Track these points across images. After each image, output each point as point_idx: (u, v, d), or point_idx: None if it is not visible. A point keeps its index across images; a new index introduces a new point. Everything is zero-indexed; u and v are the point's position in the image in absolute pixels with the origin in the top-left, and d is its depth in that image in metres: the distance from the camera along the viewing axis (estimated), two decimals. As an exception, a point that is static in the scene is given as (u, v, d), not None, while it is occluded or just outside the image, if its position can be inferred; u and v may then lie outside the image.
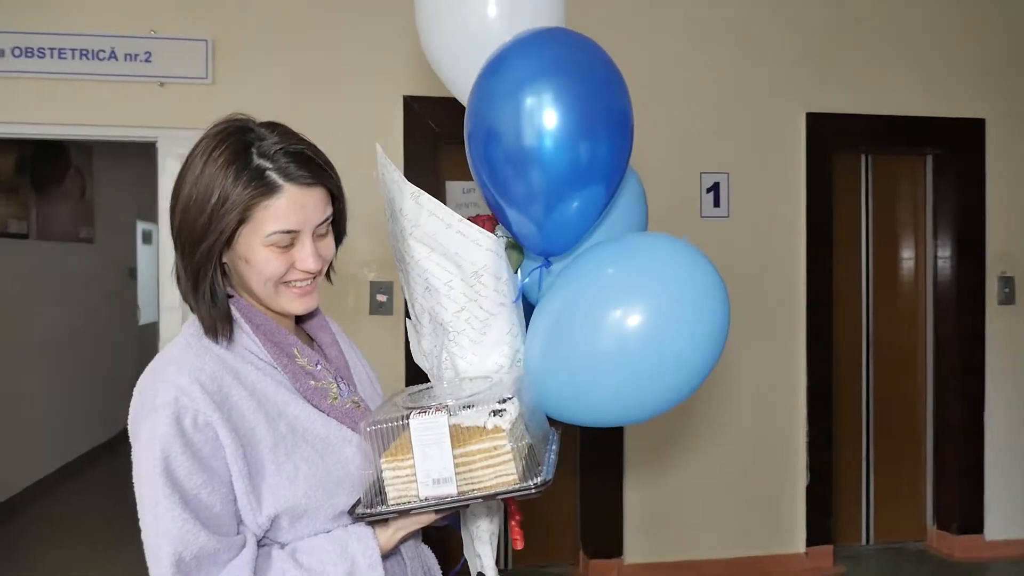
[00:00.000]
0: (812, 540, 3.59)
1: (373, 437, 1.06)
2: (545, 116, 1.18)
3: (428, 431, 1.02)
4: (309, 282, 1.14)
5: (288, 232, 1.08)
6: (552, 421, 1.31)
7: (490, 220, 1.32)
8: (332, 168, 1.15)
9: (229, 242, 1.07)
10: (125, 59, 3.06)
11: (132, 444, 1.03)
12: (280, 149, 1.08)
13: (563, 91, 1.18)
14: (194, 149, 1.09)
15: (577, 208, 1.23)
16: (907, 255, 3.94)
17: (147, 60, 3.07)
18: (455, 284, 1.22)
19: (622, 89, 1.25)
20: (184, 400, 1.01)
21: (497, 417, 1.04)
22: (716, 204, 3.50)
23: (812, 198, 3.58)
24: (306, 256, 1.10)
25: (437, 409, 1.04)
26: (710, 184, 3.49)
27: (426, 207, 1.21)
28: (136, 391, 1.06)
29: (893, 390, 3.90)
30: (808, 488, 3.58)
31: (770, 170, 3.55)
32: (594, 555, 3.44)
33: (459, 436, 1.03)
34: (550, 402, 1.26)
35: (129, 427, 1.05)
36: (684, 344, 1.17)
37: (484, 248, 1.20)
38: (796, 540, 3.60)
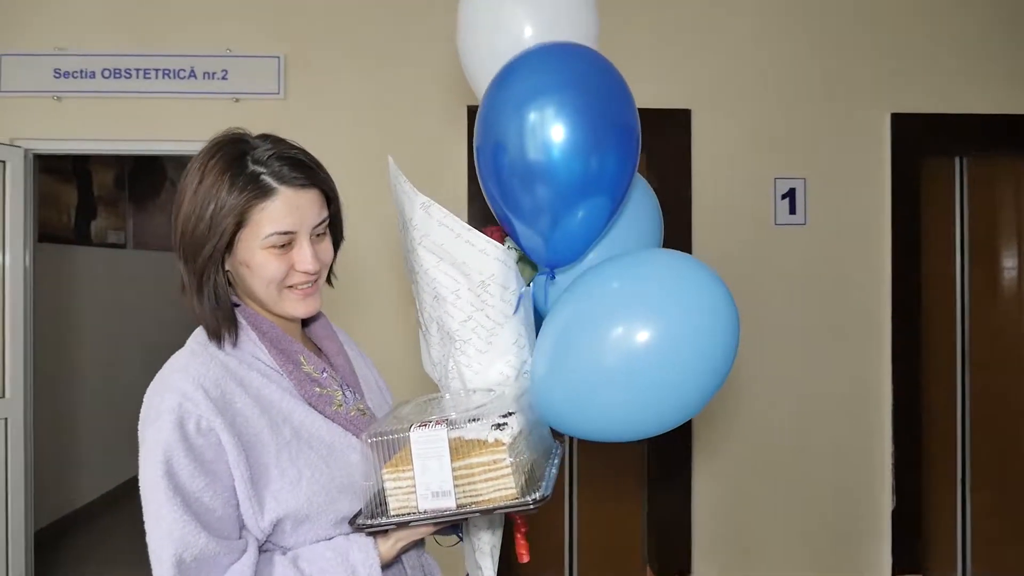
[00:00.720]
0: (899, 568, 3.39)
1: (375, 448, 1.08)
2: (550, 130, 1.20)
3: (428, 444, 1.04)
4: (310, 284, 1.17)
5: (285, 233, 1.12)
6: (556, 435, 1.32)
7: (499, 231, 1.33)
8: (325, 171, 1.19)
9: (230, 247, 1.12)
10: (203, 77, 3.22)
11: (140, 449, 1.08)
12: (273, 154, 1.13)
13: (568, 105, 1.20)
14: (192, 162, 1.15)
15: (582, 220, 1.24)
16: (1009, 264, 3.68)
17: (223, 77, 3.22)
18: (462, 293, 1.24)
19: (627, 102, 1.26)
20: (188, 405, 1.05)
21: (499, 431, 1.05)
22: (792, 211, 3.38)
23: (898, 205, 3.40)
24: (305, 257, 1.14)
25: (438, 423, 1.05)
26: (785, 190, 3.38)
27: (435, 217, 1.23)
28: (145, 398, 1.10)
29: (992, 407, 3.65)
30: (894, 512, 3.39)
31: (851, 175, 3.40)
32: (661, 572, 3.36)
33: (461, 448, 1.05)
34: (555, 415, 1.26)
35: (138, 433, 1.09)
36: (692, 359, 1.17)
37: (491, 257, 1.22)
38: (881, 567, 3.41)
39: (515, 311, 1.24)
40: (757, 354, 3.33)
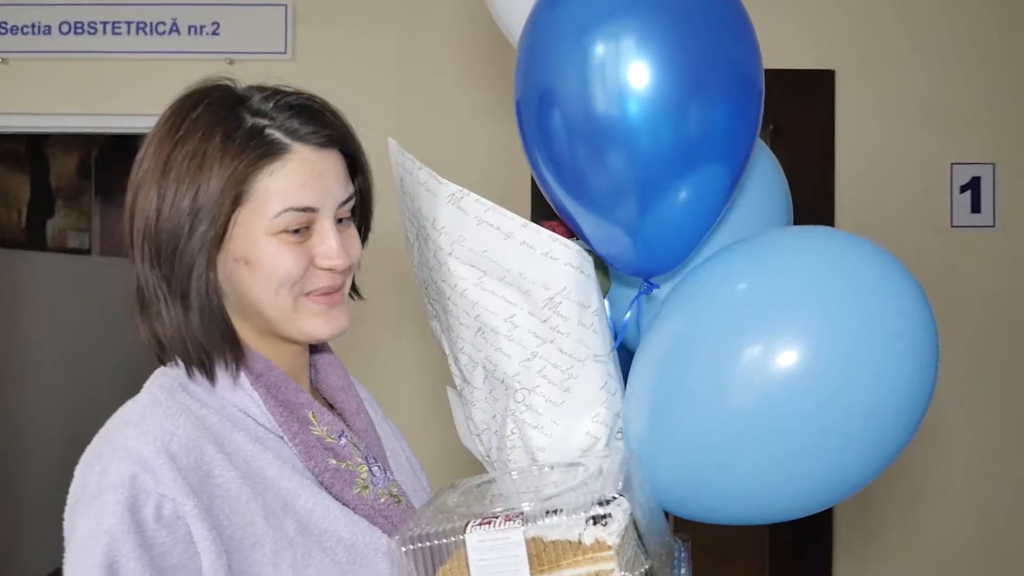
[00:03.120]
0: None
1: (415, 559, 0.99)
2: (629, 69, 1.11)
3: (495, 553, 0.96)
4: (336, 289, 1.10)
5: (303, 210, 1.04)
6: (675, 523, 1.25)
7: (563, 225, 1.26)
8: (348, 124, 1.13)
9: (222, 236, 1.04)
10: (189, 32, 3.25)
11: (66, 545, 0.98)
12: (278, 102, 1.06)
13: (656, 33, 1.11)
14: (159, 124, 1.08)
15: (687, 201, 1.17)
16: None
17: (214, 33, 3.25)
18: (521, 320, 1.16)
19: (743, 31, 1.19)
20: (145, 480, 0.95)
21: (599, 527, 0.96)
22: (975, 208, 3.31)
23: (1124, 198, 3.29)
24: (330, 246, 1.06)
25: (507, 518, 0.97)
26: (965, 180, 3.30)
27: (473, 213, 1.16)
28: (78, 469, 1.01)
29: None
30: None
31: (1057, 160, 3.32)
32: None
33: (543, 556, 0.96)
34: (665, 492, 1.19)
35: (65, 522, 1.00)
36: (866, 394, 1.09)
37: (562, 262, 1.14)
38: None
39: (606, 341, 1.17)
40: (931, 407, 3.19)
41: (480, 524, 0.96)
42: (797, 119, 3.24)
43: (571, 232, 1.26)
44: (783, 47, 3.22)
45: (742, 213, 1.32)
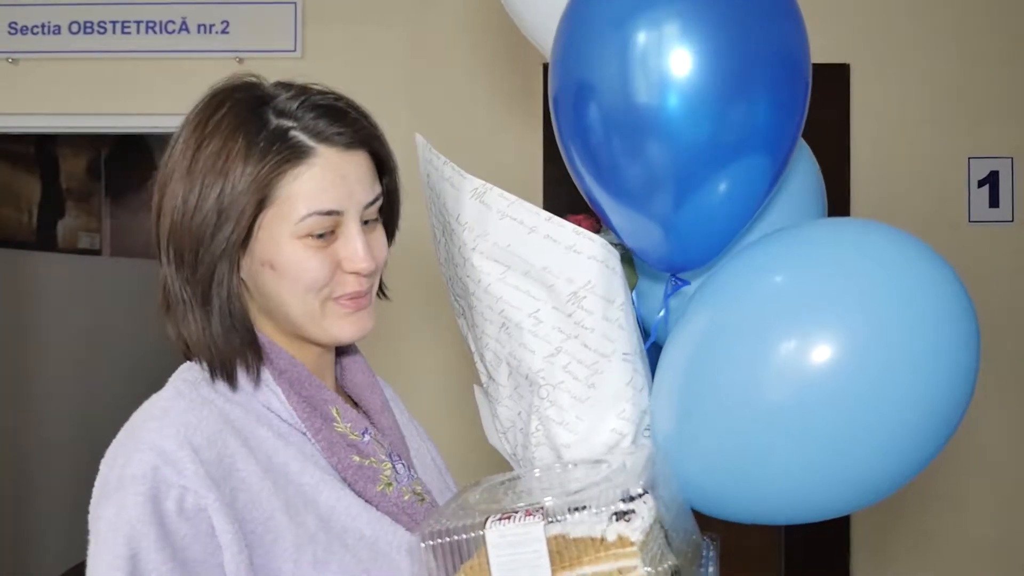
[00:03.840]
0: None
1: (436, 555, 0.97)
2: (670, 59, 1.09)
3: (516, 548, 0.94)
4: (363, 293, 1.09)
5: (328, 214, 1.04)
6: (703, 522, 1.21)
7: (589, 219, 1.25)
8: (376, 125, 1.12)
9: (246, 241, 1.03)
10: (199, 31, 3.28)
11: (90, 537, 0.98)
12: (304, 102, 1.05)
13: (700, 20, 1.09)
14: (184, 124, 1.07)
15: (725, 195, 1.14)
16: None
17: (224, 31, 3.29)
18: (545, 315, 1.15)
19: (792, 19, 1.16)
20: (167, 472, 0.95)
21: (622, 523, 0.94)
22: (993, 203, 3.31)
23: None
24: (356, 250, 1.05)
25: (528, 513, 0.95)
26: (983, 174, 3.29)
27: (496, 207, 1.15)
28: (103, 462, 1.01)
29: None
30: None
31: (1077, 153, 3.31)
32: None
33: (566, 552, 0.94)
34: (693, 490, 1.17)
35: (89, 513, 0.99)
36: (904, 393, 1.06)
37: (586, 256, 1.12)
38: None
39: (632, 336, 1.14)
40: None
41: (500, 519, 0.95)
42: (812, 114, 3.18)
43: (597, 226, 1.24)
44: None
45: (777, 206, 1.31)
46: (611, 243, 1.19)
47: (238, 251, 1.04)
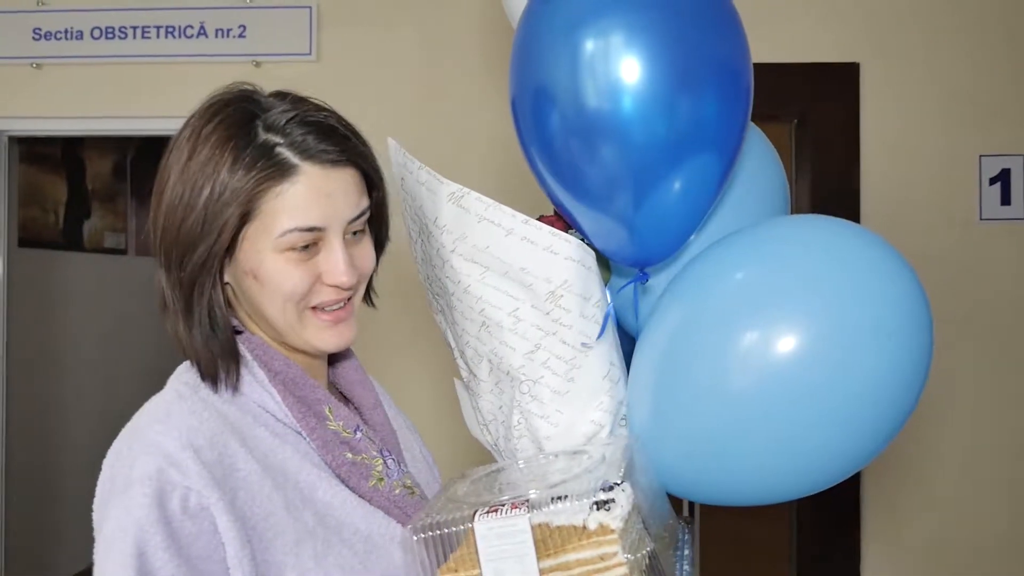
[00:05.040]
0: None
1: (428, 547, 1.00)
2: (619, 64, 1.12)
3: (502, 539, 0.97)
4: (342, 305, 1.11)
5: (310, 230, 1.05)
6: (678, 507, 1.26)
7: (561, 219, 1.26)
8: (365, 142, 1.13)
9: (231, 250, 1.06)
10: (216, 35, 3.29)
11: (96, 538, 1.01)
12: (294, 118, 1.06)
13: (644, 29, 1.12)
14: (181, 129, 1.10)
15: (680, 193, 1.17)
16: None
17: (241, 35, 3.29)
18: (524, 313, 1.18)
19: (731, 29, 1.19)
20: (171, 473, 0.98)
21: (602, 511, 0.97)
22: (1005, 200, 3.27)
23: None
24: (336, 264, 1.07)
25: (514, 506, 0.98)
26: (995, 172, 3.25)
27: (474, 210, 1.17)
28: (106, 462, 1.05)
29: None
30: None
31: (1090, 151, 3.26)
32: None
33: (549, 540, 0.97)
34: (670, 476, 1.21)
35: (94, 514, 1.03)
36: (862, 378, 1.10)
37: (562, 257, 1.15)
38: None
39: (601, 333, 1.17)
40: (959, 396, 3.18)
41: (488, 512, 0.98)
42: (822, 112, 3.24)
43: (567, 225, 1.27)
44: (807, 40, 3.22)
45: (737, 204, 1.33)
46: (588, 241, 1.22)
47: (221, 261, 1.06)
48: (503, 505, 0.98)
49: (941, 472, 3.23)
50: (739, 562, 3.46)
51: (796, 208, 3.28)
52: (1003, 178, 3.25)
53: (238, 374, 1.08)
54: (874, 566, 3.23)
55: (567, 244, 1.16)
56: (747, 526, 3.47)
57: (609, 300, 1.21)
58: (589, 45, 1.13)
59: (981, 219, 3.24)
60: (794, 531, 3.32)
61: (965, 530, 3.23)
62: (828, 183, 3.24)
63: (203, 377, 1.08)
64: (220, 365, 1.07)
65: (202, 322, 1.07)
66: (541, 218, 1.23)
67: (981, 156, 3.24)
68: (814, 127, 3.25)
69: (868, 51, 3.26)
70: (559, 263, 1.16)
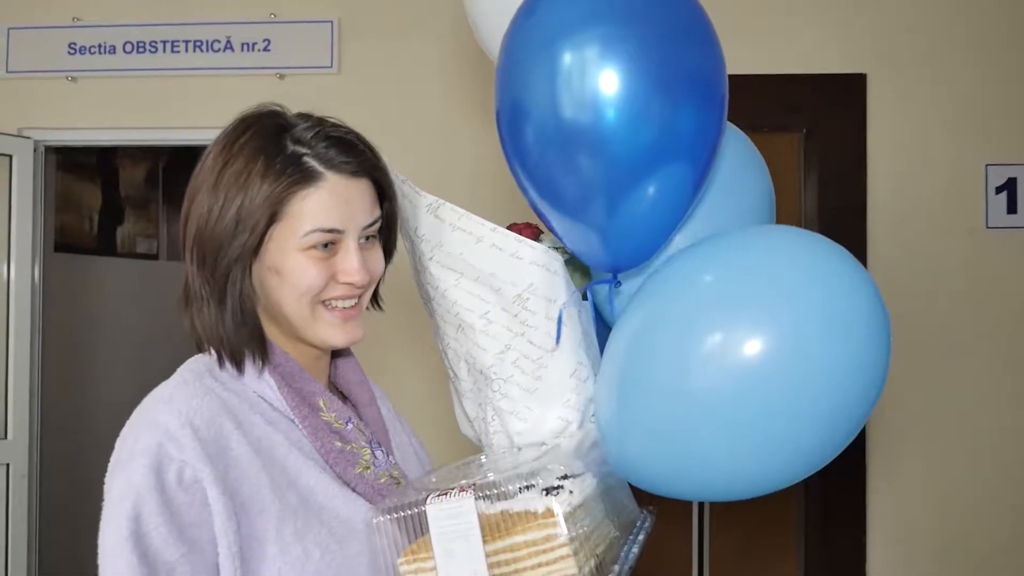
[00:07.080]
0: None
1: (386, 529, 1.06)
2: (595, 76, 1.15)
3: (450, 521, 1.01)
4: (354, 303, 1.20)
5: (330, 231, 1.15)
6: (641, 497, 1.30)
7: (530, 227, 1.33)
8: (380, 158, 1.23)
9: (257, 248, 1.16)
10: (242, 49, 3.39)
11: (104, 505, 1.10)
12: (318, 133, 1.17)
13: (619, 43, 1.16)
14: (214, 143, 1.20)
15: (653, 202, 1.21)
16: None
17: (266, 49, 3.38)
18: (494, 315, 1.24)
19: (706, 41, 1.23)
20: (169, 448, 1.07)
21: (551, 496, 1.01)
22: (1011, 209, 3.27)
23: None
24: (351, 264, 1.17)
25: (461, 489, 1.02)
26: (1001, 181, 3.26)
27: (448, 220, 1.25)
28: (119, 439, 1.14)
29: None
30: None
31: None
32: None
33: (503, 524, 1.02)
34: (632, 469, 1.25)
35: (105, 483, 1.12)
36: (820, 379, 1.13)
37: (527, 262, 1.22)
38: None
39: (558, 336, 1.23)
40: (967, 401, 3.20)
41: (439, 496, 1.02)
42: (829, 123, 3.26)
43: (537, 233, 1.33)
44: (814, 52, 3.24)
45: (715, 210, 1.35)
46: (556, 246, 1.28)
47: (251, 257, 1.15)
48: (453, 489, 1.03)
49: (948, 476, 3.23)
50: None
51: (804, 217, 3.30)
52: (1009, 187, 3.24)
53: (264, 354, 1.18)
54: (880, 564, 3.26)
55: (532, 250, 1.22)
56: (755, 523, 3.51)
57: (584, 300, 1.25)
58: (566, 58, 1.16)
59: (987, 227, 3.24)
60: (800, 528, 3.34)
61: (972, 530, 3.23)
62: (836, 192, 3.25)
63: (227, 362, 1.17)
64: (246, 351, 1.17)
65: (234, 310, 1.17)
66: (511, 226, 1.29)
67: (987, 165, 3.25)
68: (822, 137, 3.26)
69: (875, 62, 3.26)
70: (524, 268, 1.22)
